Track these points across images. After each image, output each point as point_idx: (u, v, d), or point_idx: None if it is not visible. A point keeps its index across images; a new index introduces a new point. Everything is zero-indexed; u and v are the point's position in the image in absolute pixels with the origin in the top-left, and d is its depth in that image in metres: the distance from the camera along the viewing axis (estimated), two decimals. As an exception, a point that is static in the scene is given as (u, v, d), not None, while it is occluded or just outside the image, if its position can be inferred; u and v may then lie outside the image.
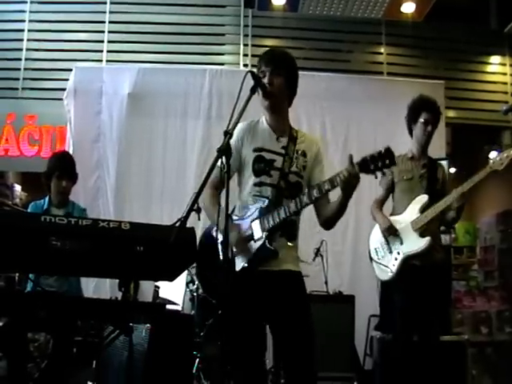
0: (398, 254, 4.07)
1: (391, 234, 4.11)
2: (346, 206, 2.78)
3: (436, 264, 4.02)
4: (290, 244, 2.85)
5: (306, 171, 2.90)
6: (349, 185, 2.60)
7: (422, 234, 3.99)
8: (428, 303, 3.98)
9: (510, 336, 6.91)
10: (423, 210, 4.03)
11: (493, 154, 3.93)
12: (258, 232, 2.79)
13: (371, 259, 4.30)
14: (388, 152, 2.49)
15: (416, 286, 3.99)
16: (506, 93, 7.95)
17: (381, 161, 2.49)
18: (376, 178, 2.59)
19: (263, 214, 2.79)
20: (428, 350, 3.92)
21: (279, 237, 2.81)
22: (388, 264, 4.12)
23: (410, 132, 4.29)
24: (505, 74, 8.03)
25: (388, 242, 4.15)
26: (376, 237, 4.29)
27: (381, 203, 4.33)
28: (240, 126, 2.90)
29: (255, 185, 2.87)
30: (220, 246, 2.85)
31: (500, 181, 7.69)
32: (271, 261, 2.78)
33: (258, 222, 2.80)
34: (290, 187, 2.83)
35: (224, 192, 2.43)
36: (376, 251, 4.26)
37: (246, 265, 2.79)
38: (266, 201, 2.80)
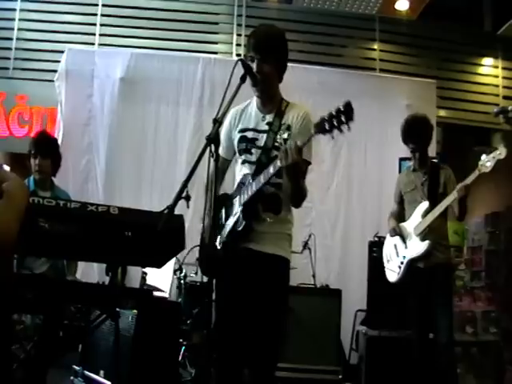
0: (404, 257, 4.28)
1: (395, 234, 4.35)
2: (293, 188, 2.69)
3: (438, 264, 4.14)
4: (272, 219, 2.80)
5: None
6: (285, 162, 2.48)
7: (424, 237, 4.15)
8: (434, 303, 4.09)
9: (495, 336, 6.98)
10: (425, 215, 4.19)
11: (483, 157, 3.96)
12: (236, 207, 2.83)
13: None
14: (347, 107, 2.32)
15: (422, 286, 4.15)
16: (497, 95, 8.00)
17: (337, 118, 2.32)
18: (333, 138, 2.39)
19: (243, 189, 2.81)
20: (442, 349, 3.99)
21: (263, 212, 2.79)
22: (394, 268, 4.36)
23: None
24: (497, 76, 8.08)
25: (396, 247, 4.38)
26: (387, 244, 4.54)
27: (395, 216, 4.51)
28: (232, 110, 2.96)
29: (241, 164, 2.92)
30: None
31: (489, 182, 7.74)
32: (252, 238, 2.78)
33: (238, 198, 2.84)
34: (270, 162, 2.67)
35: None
36: (386, 257, 4.51)
37: (225, 239, 2.84)
38: (248, 177, 2.81)
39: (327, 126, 2.36)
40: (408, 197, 4.41)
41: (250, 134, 2.90)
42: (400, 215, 4.47)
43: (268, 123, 2.87)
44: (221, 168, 2.97)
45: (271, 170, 2.60)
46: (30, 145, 4.14)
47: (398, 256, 4.35)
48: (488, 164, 3.87)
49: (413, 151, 4.33)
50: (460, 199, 4.00)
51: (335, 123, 2.33)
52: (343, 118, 2.31)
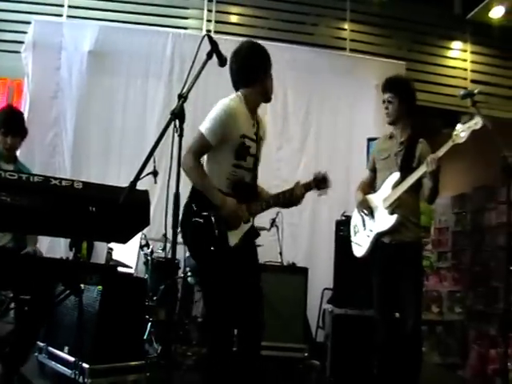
0: (371, 231, 4.04)
1: (363, 208, 4.08)
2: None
3: (405, 243, 3.91)
4: None
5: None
6: (289, 204, 3.29)
7: (392, 211, 3.91)
8: (401, 283, 3.87)
9: (460, 316, 7.14)
10: (395, 187, 3.93)
11: (458, 126, 3.58)
12: (246, 214, 3.09)
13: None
14: (324, 179, 3.36)
15: (385, 263, 3.94)
16: (465, 79, 8.10)
17: (319, 184, 3.34)
18: (319, 195, 3.35)
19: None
20: (408, 331, 3.78)
21: None
22: (360, 242, 4.13)
23: None
24: (465, 60, 8.18)
25: (364, 220, 4.13)
26: (354, 216, 4.27)
27: (365, 184, 4.25)
28: (232, 111, 3.04)
29: (233, 166, 3.08)
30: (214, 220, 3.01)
31: (457, 164, 7.86)
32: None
33: (245, 205, 3.07)
34: (257, 169, 3.22)
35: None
36: (353, 229, 4.26)
37: (238, 242, 3.06)
38: (247, 185, 3.14)
39: (313, 188, 3.35)
40: (380, 164, 4.11)
41: (247, 142, 3.11)
42: (371, 184, 4.21)
43: (255, 133, 3.17)
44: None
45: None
46: None
47: (364, 229, 4.10)
48: (462, 134, 3.54)
49: (388, 102, 4.00)
50: (431, 174, 3.65)
51: (319, 187, 3.36)
52: (323, 186, 3.36)
